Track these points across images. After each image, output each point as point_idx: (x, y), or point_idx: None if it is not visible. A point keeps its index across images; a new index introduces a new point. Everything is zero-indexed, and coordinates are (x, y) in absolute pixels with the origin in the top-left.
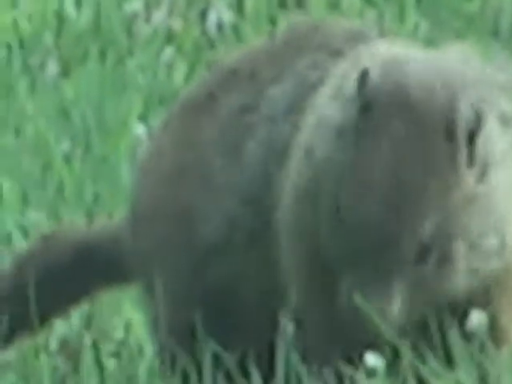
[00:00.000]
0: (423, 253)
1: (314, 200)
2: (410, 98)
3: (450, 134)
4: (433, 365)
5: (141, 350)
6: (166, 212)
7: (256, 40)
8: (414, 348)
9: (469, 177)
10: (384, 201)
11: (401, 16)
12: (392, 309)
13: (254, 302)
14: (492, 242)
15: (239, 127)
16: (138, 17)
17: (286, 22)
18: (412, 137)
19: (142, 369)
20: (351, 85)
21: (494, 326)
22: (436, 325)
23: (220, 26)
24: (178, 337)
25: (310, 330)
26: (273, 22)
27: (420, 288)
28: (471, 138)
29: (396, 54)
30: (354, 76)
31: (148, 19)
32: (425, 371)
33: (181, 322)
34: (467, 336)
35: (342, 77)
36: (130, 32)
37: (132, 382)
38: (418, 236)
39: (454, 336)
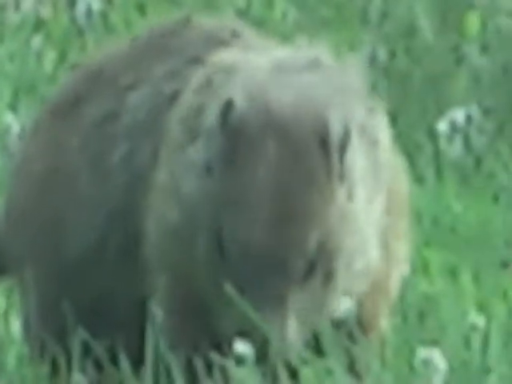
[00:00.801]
0: (310, 269)
1: (187, 240)
2: (279, 118)
3: (324, 149)
4: (302, 352)
5: (10, 337)
6: (36, 218)
7: (124, 29)
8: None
9: (340, 193)
10: (268, 223)
11: (269, 3)
12: (290, 331)
13: (124, 299)
14: (360, 262)
15: (103, 137)
16: (7, 5)
17: (154, 10)
18: (287, 156)
19: (11, 356)
20: (212, 118)
21: (361, 314)
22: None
23: (89, 14)
24: (48, 325)
25: (178, 319)
26: (141, 10)
27: (309, 307)
28: (341, 153)
29: (250, 67)
30: (209, 105)
31: (17, 7)
32: (294, 359)
33: (51, 312)
34: (336, 323)
35: (197, 108)
36: None
37: (0, 369)
38: (305, 252)
39: (322, 323)
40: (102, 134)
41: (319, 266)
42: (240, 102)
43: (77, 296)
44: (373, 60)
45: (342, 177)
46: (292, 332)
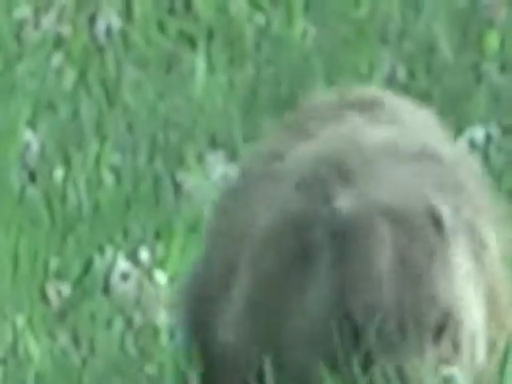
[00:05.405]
0: (440, 330)
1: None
2: (389, 207)
3: (438, 230)
4: None
5: (29, 356)
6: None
7: (144, 47)
8: None
9: (460, 272)
10: (396, 290)
11: (289, 21)
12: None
13: None
14: (478, 348)
15: (269, 176)
16: (27, 22)
17: (174, 28)
18: (403, 236)
19: (30, 375)
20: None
21: None
22: None
23: (109, 32)
24: None
25: None
26: (161, 27)
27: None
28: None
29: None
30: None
31: (37, 25)
32: None
33: None
34: None
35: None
36: (18, 37)
37: None
38: (435, 309)
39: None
40: (269, 172)
41: (447, 332)
42: (345, 208)
43: None
44: (392, 78)
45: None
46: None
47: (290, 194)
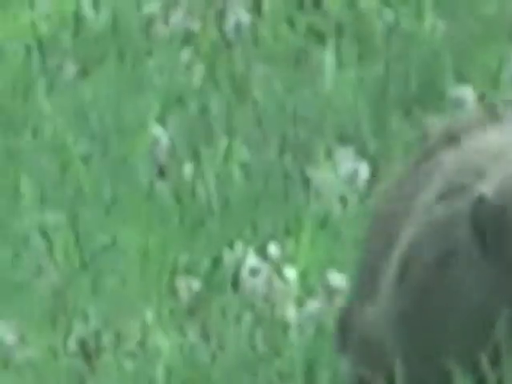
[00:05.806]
0: None
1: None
2: None
3: None
4: None
5: (157, 349)
6: None
7: (273, 42)
8: None
9: None
10: None
11: (418, 17)
12: None
13: None
14: None
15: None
16: (156, 18)
17: (303, 22)
18: None
19: (160, 370)
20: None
21: None
22: None
23: (237, 27)
24: None
25: None
26: (290, 22)
27: None
28: None
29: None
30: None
31: (166, 20)
32: None
33: None
34: None
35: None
36: (147, 33)
37: (150, 382)
38: None
39: None
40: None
41: None
42: (490, 199)
43: None
44: None
45: None
46: None
47: (433, 202)
